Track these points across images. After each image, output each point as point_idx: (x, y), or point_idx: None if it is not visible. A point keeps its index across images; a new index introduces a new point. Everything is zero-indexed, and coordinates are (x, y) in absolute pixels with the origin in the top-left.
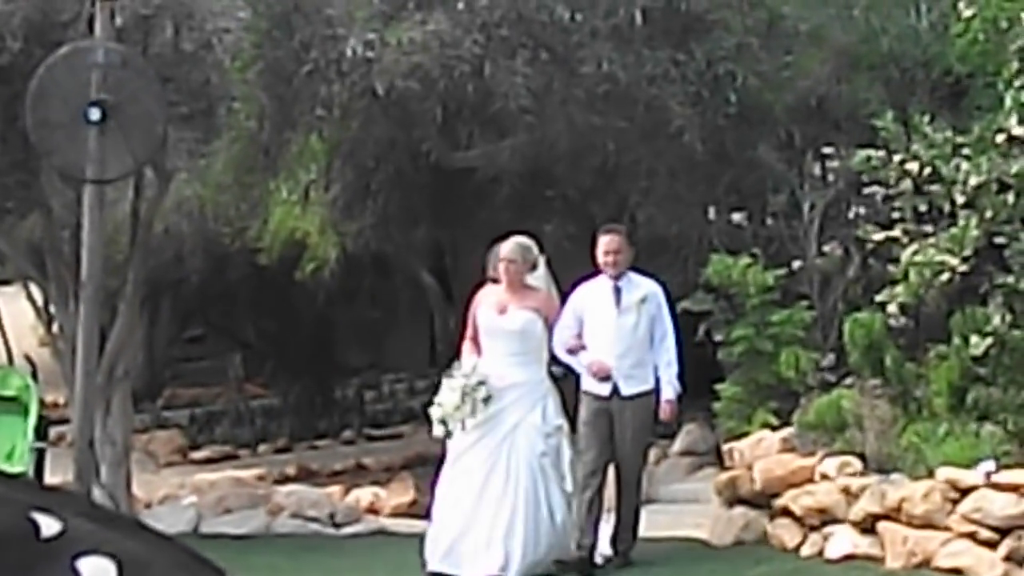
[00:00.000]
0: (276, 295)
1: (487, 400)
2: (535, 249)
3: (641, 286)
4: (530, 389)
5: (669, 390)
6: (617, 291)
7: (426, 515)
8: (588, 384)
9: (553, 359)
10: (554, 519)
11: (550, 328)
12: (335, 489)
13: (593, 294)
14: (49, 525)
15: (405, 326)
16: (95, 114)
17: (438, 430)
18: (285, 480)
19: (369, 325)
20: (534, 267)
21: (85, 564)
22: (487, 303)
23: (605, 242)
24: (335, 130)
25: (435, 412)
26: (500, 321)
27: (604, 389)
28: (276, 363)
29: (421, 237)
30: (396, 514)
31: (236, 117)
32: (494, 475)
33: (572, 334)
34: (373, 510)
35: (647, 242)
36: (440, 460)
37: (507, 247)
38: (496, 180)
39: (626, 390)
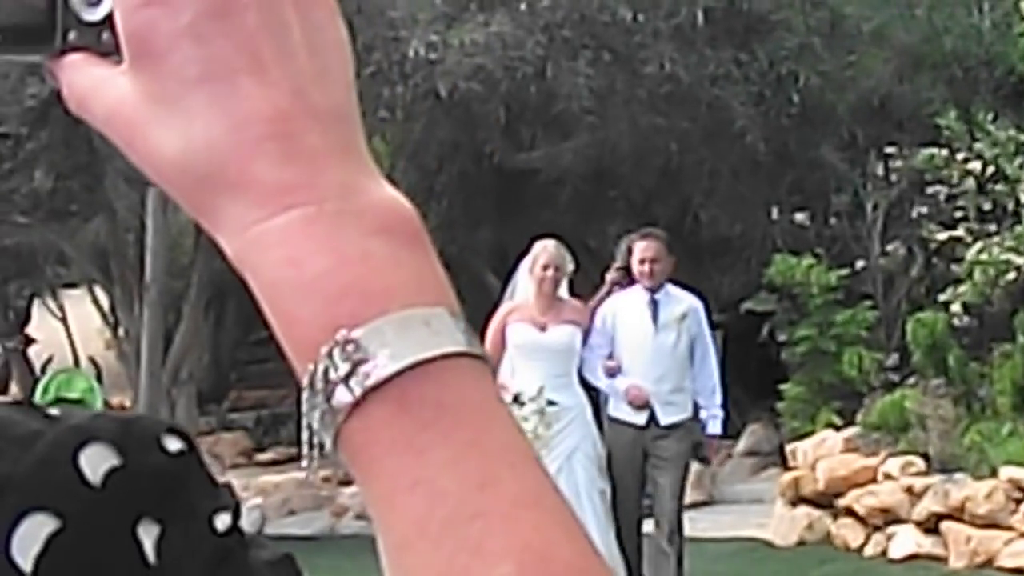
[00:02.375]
0: None
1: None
2: (567, 255)
3: (682, 301)
4: (579, 414)
5: (716, 425)
6: (654, 305)
7: None
8: (619, 410)
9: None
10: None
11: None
12: None
13: (626, 308)
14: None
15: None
16: None
17: None
18: (350, 482)
19: None
20: (566, 275)
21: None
22: (519, 320)
23: (641, 248)
24: (398, 132)
25: None
26: (543, 339)
27: (640, 418)
28: None
29: (485, 238)
30: None
31: None
32: None
33: (604, 354)
34: None
35: (710, 242)
36: None
37: (551, 251)
38: (559, 181)
39: (665, 419)
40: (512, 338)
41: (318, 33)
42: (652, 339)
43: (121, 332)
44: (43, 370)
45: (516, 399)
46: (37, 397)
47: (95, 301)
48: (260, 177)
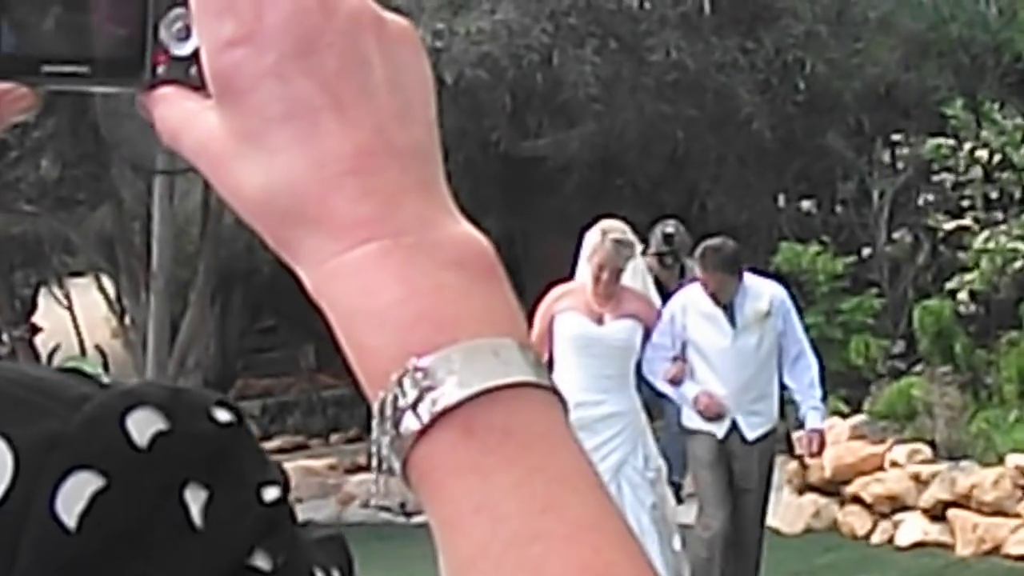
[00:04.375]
0: None
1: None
2: (632, 238)
3: (761, 295)
4: (630, 421)
5: (816, 417)
6: (729, 307)
7: None
8: (693, 420)
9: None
10: None
11: (642, 344)
12: None
13: (698, 308)
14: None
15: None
16: None
17: None
18: (356, 470)
19: None
20: (627, 260)
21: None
22: (572, 308)
23: (701, 275)
24: None
25: None
26: (599, 332)
27: (719, 429)
28: None
29: (491, 226)
30: None
31: None
32: None
33: (669, 356)
34: None
35: (716, 230)
36: None
37: (608, 252)
38: (566, 169)
39: (750, 432)
40: (562, 329)
41: (400, 70)
42: (730, 345)
43: (128, 321)
44: (49, 359)
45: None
46: None
47: (101, 289)
48: (339, 212)
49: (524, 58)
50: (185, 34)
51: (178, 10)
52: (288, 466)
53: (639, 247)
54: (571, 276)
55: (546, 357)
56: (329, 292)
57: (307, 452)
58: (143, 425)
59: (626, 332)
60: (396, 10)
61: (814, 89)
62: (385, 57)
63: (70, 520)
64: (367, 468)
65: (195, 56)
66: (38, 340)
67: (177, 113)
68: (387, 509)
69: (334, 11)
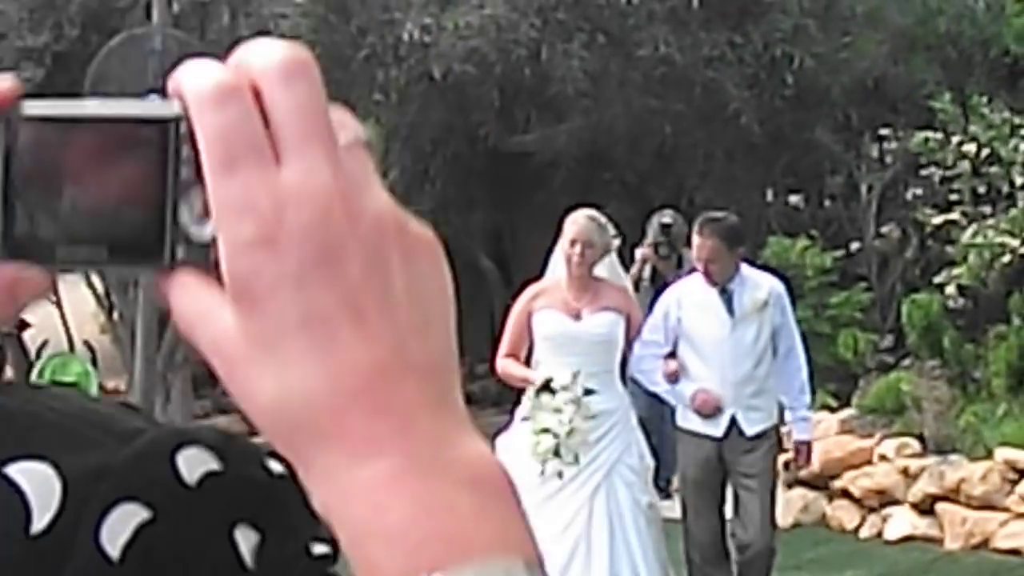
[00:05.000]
0: None
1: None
2: (610, 229)
3: (760, 285)
4: (620, 418)
5: (805, 429)
6: (727, 295)
7: None
8: (689, 420)
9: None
10: None
11: (628, 340)
12: None
13: (694, 299)
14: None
15: (464, 311)
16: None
17: (551, 468)
18: None
19: None
20: (605, 252)
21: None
22: (549, 305)
23: (696, 246)
24: (392, 115)
25: (542, 443)
26: (577, 328)
27: (716, 428)
28: None
29: (479, 221)
30: None
31: None
32: (592, 542)
33: (661, 353)
34: None
35: None
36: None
37: (580, 223)
38: (554, 164)
39: (750, 428)
40: (539, 328)
41: (422, 282)
42: (728, 335)
43: (116, 316)
44: (38, 354)
45: (547, 386)
46: (32, 381)
47: (90, 285)
48: (353, 429)
49: (512, 53)
50: (206, 217)
51: (198, 191)
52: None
53: (616, 242)
54: None
55: (523, 357)
56: (339, 508)
57: None
58: (194, 463)
59: (606, 326)
60: (383, 5)
61: (802, 83)
62: (407, 266)
63: (114, 551)
64: None
65: (215, 241)
66: (26, 336)
67: (193, 305)
68: None
69: (359, 217)
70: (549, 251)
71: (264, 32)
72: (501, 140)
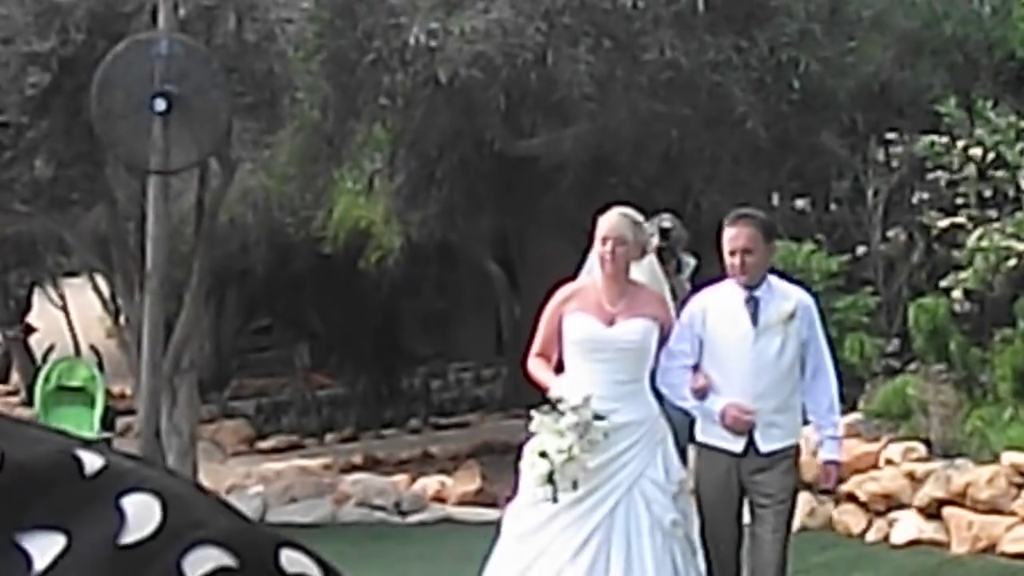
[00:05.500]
0: (341, 285)
1: (601, 439)
2: (647, 227)
3: (788, 296)
4: (648, 430)
5: (834, 448)
6: (753, 304)
7: (493, 503)
8: (709, 434)
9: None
10: None
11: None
12: (401, 478)
13: (718, 307)
14: (92, 461)
15: (471, 314)
16: (160, 105)
17: (542, 492)
18: (351, 469)
19: (434, 314)
20: (643, 253)
21: (129, 502)
22: (581, 308)
23: (730, 237)
24: (399, 119)
25: (537, 468)
26: (610, 334)
27: (736, 444)
28: (342, 352)
29: (485, 225)
30: (462, 502)
31: (300, 107)
32: (610, 560)
33: (688, 364)
34: (439, 498)
35: (711, 229)
36: (509, 448)
37: (612, 220)
38: (560, 168)
39: (766, 445)
40: (569, 332)
41: None
42: (751, 346)
43: (122, 320)
44: (44, 359)
45: (554, 406)
46: (38, 385)
47: (96, 289)
48: None
49: (518, 57)
50: None
51: None
52: (283, 466)
53: (655, 240)
54: (566, 274)
55: (555, 360)
56: None
57: (302, 452)
58: (295, 562)
59: (639, 333)
60: (389, 9)
61: (808, 88)
62: None
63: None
64: (362, 467)
65: None
66: (33, 340)
67: None
68: (382, 508)
69: None
70: (559, 255)
71: (270, 37)
72: (507, 144)
